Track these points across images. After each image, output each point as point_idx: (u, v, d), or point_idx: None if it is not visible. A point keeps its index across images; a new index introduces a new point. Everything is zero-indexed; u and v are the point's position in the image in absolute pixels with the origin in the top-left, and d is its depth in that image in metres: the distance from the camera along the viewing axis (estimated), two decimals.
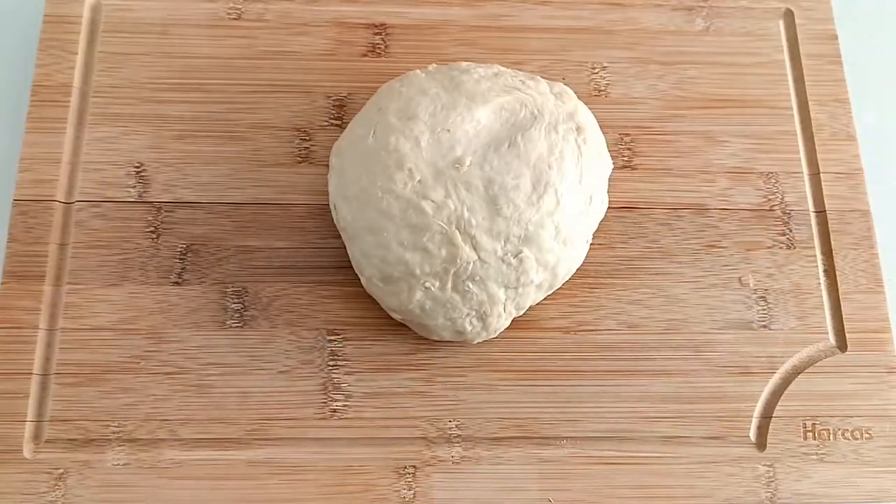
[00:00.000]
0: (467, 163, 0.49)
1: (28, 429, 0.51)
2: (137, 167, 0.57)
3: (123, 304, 0.54)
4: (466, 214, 0.49)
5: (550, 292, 0.54)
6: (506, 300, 0.51)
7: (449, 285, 0.50)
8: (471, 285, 0.50)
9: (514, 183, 0.50)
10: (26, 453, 0.50)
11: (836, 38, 0.64)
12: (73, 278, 0.54)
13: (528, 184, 0.50)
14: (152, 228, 0.56)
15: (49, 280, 0.54)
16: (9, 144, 0.58)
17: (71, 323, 0.53)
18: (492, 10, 0.63)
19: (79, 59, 0.60)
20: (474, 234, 0.49)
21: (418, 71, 0.55)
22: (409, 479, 0.51)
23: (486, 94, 0.52)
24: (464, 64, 0.55)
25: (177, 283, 0.55)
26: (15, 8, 0.63)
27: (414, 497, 0.51)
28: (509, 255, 0.50)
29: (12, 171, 0.57)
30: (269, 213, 0.57)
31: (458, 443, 0.52)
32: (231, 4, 0.62)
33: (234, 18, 0.62)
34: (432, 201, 0.49)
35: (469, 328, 0.51)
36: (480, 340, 0.53)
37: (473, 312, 0.51)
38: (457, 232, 0.49)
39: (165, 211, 0.56)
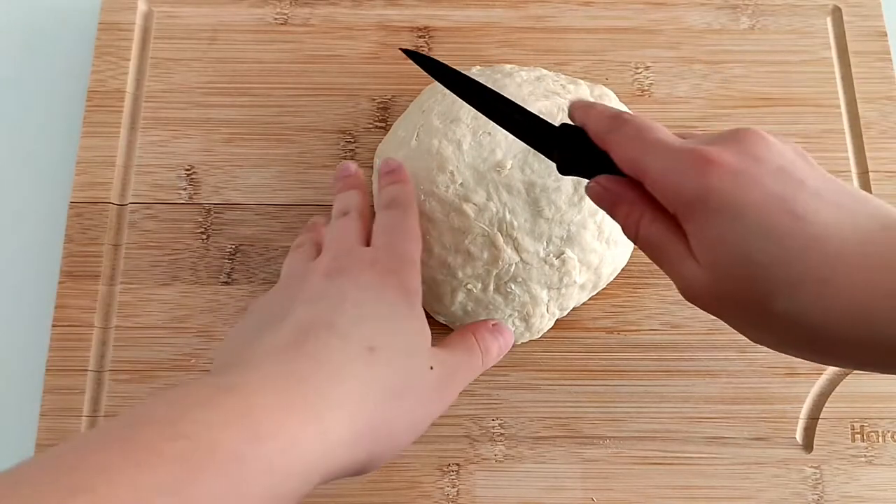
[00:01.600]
0: (508, 166, 0.50)
1: (84, 424, 0.52)
2: (188, 170, 0.59)
3: (175, 303, 0.55)
4: (508, 216, 0.49)
5: (595, 293, 0.54)
6: (549, 301, 0.52)
7: (491, 287, 0.50)
8: (513, 287, 0.50)
9: (556, 185, 0.50)
10: None
11: (885, 34, 0.62)
12: (126, 278, 0.56)
13: (570, 185, 0.50)
14: (202, 229, 0.57)
15: (103, 279, 0.56)
16: (66, 148, 0.60)
17: (124, 321, 0.55)
18: (535, 11, 0.64)
19: (131, 65, 0.61)
20: (516, 236, 0.49)
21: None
22: (453, 477, 0.52)
23: (527, 98, 0.52)
24: (507, 67, 0.56)
25: (226, 283, 0.56)
26: (70, 16, 0.65)
27: (457, 494, 0.51)
28: (552, 255, 0.50)
29: (69, 174, 0.58)
30: (316, 214, 0.57)
31: (501, 441, 0.52)
32: (278, 10, 0.63)
33: (281, 24, 0.63)
34: (474, 204, 0.49)
35: (512, 329, 0.52)
36: (524, 341, 0.53)
37: (516, 314, 0.51)
38: (498, 234, 0.49)
39: (215, 212, 0.57)
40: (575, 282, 0.51)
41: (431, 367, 0.39)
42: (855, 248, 0.33)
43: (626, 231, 0.41)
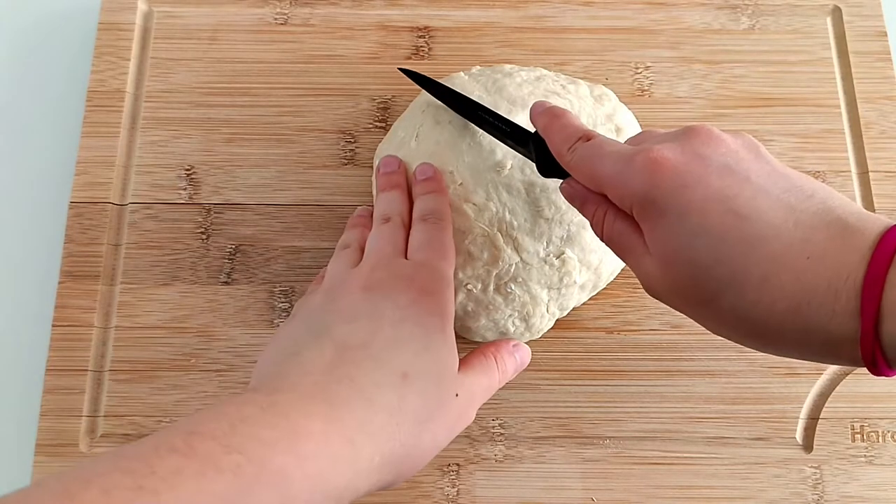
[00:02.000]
0: (508, 166, 0.50)
1: (84, 424, 0.52)
2: (188, 170, 0.59)
3: (174, 303, 0.55)
4: (508, 217, 0.49)
5: (595, 293, 0.54)
6: (549, 301, 0.51)
7: (491, 287, 0.50)
8: (513, 287, 0.50)
9: (555, 185, 0.50)
10: (82, 447, 0.52)
11: (885, 34, 0.62)
12: (126, 278, 0.56)
13: None
14: (202, 229, 0.57)
15: (103, 279, 0.56)
16: (66, 148, 0.60)
17: (124, 321, 0.55)
18: (535, 11, 0.64)
19: (131, 65, 0.61)
20: (516, 236, 0.49)
21: (462, 73, 0.55)
22: (453, 477, 0.52)
23: (527, 98, 0.52)
24: (507, 67, 0.56)
25: (226, 283, 0.56)
26: (70, 16, 0.65)
27: (457, 494, 0.51)
28: (552, 255, 0.50)
29: (69, 174, 0.58)
30: (316, 214, 0.57)
31: (501, 441, 0.52)
32: (278, 10, 0.63)
33: (281, 24, 0.63)
34: (474, 204, 0.49)
35: (512, 329, 0.52)
36: (524, 342, 0.53)
37: (516, 314, 0.51)
38: (498, 234, 0.49)
39: (215, 212, 0.57)
40: (575, 282, 0.51)
41: (457, 395, 0.41)
42: (798, 246, 0.33)
43: (595, 229, 0.42)
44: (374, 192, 0.53)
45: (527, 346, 0.49)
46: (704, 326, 0.38)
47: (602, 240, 0.42)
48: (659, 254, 0.37)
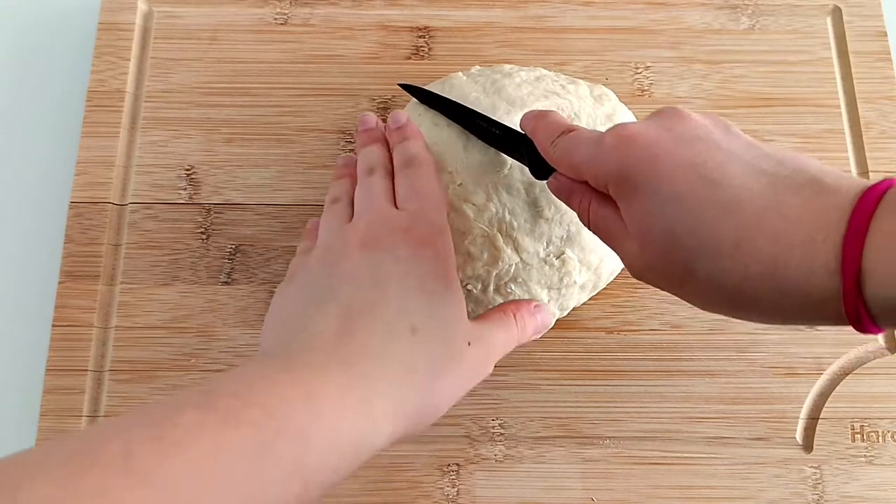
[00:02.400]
0: (508, 166, 0.50)
1: (84, 424, 0.52)
2: (188, 170, 0.59)
3: (174, 303, 0.55)
4: (508, 217, 0.49)
5: (595, 293, 0.54)
6: (549, 301, 0.51)
7: (491, 287, 0.50)
8: (513, 287, 0.50)
9: None
10: None
11: (885, 34, 0.62)
12: (126, 278, 0.56)
13: None
14: (202, 229, 0.57)
15: (103, 279, 0.56)
16: (66, 148, 0.60)
17: (124, 321, 0.55)
18: (535, 11, 0.64)
19: (131, 65, 0.61)
20: (516, 237, 0.49)
21: (460, 73, 0.55)
22: (453, 477, 0.52)
23: (526, 98, 0.52)
24: (507, 67, 0.56)
25: (226, 283, 0.56)
26: (70, 16, 0.65)
27: (457, 494, 0.51)
28: (552, 256, 0.50)
29: (69, 174, 0.58)
30: (316, 214, 0.57)
31: (501, 441, 0.52)
32: (278, 10, 0.63)
33: (281, 24, 0.63)
34: (473, 204, 0.49)
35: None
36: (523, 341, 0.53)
37: None
38: (498, 234, 0.49)
39: (215, 212, 0.58)
40: (575, 282, 0.51)
41: (469, 343, 0.41)
42: (771, 209, 0.33)
43: (582, 219, 0.43)
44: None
45: (550, 310, 0.50)
46: (689, 302, 0.38)
47: (590, 229, 0.42)
48: (636, 230, 0.37)
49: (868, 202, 0.31)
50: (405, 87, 0.55)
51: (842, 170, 0.58)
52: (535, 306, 0.48)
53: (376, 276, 0.41)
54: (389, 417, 0.36)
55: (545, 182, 0.46)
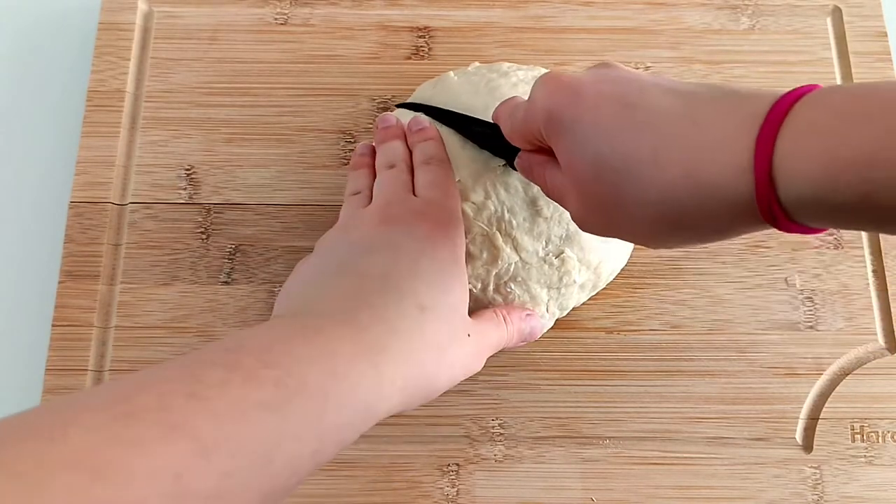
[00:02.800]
0: (503, 161, 0.50)
1: None
2: (188, 170, 0.59)
3: (174, 302, 0.55)
4: (507, 216, 0.49)
5: (595, 293, 0.54)
6: (548, 301, 0.51)
7: (490, 287, 0.50)
8: (513, 286, 0.50)
9: None
10: None
11: (885, 35, 0.62)
12: (126, 278, 0.56)
13: None
14: (202, 229, 0.57)
15: (103, 279, 0.56)
16: (66, 148, 0.60)
17: (124, 321, 0.55)
18: (534, 11, 0.64)
19: (132, 65, 0.61)
20: (515, 235, 0.49)
21: (451, 73, 0.55)
22: (453, 477, 0.52)
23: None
24: (505, 65, 0.56)
25: (226, 283, 0.56)
26: (71, 16, 0.65)
27: (457, 494, 0.51)
28: (551, 255, 0.50)
29: (69, 174, 0.58)
30: (316, 214, 0.57)
31: (500, 441, 0.52)
32: (278, 10, 0.63)
33: (281, 24, 0.63)
34: (472, 203, 0.49)
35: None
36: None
37: None
38: (497, 233, 0.49)
39: (215, 212, 0.58)
40: (574, 281, 0.51)
41: (469, 335, 0.43)
42: (688, 118, 0.34)
43: (544, 190, 0.44)
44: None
45: (540, 319, 0.50)
46: (629, 237, 0.39)
47: (551, 198, 0.43)
48: (566, 164, 0.38)
49: (784, 103, 0.32)
50: (403, 106, 0.55)
51: None
52: (527, 314, 0.50)
53: (392, 249, 0.42)
54: (396, 386, 0.37)
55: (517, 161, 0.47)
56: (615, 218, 0.37)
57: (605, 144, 0.35)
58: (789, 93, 0.32)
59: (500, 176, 0.50)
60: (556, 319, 0.53)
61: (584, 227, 0.40)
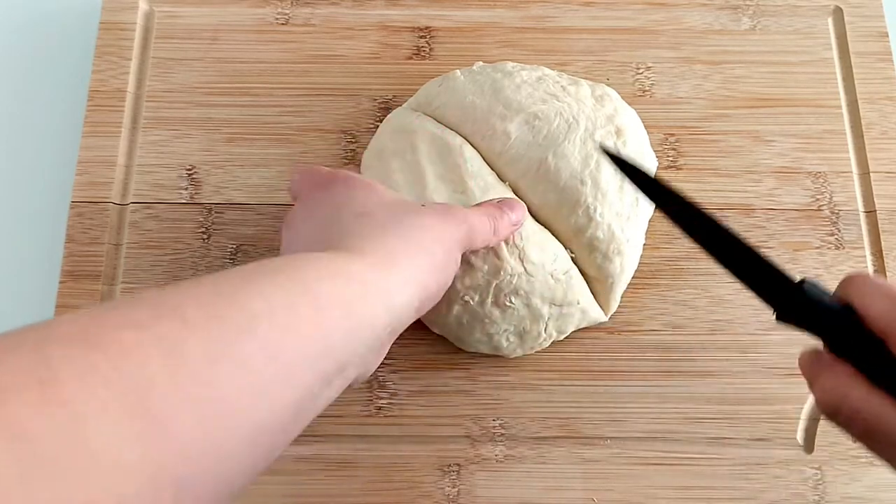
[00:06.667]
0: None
1: None
2: (189, 170, 0.59)
3: None
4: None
5: (595, 324, 0.54)
6: (548, 319, 0.51)
7: (489, 299, 0.49)
8: (514, 299, 0.49)
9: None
10: None
11: (886, 35, 0.62)
12: (126, 277, 0.56)
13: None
14: (203, 229, 0.57)
15: (104, 279, 0.56)
16: (67, 148, 0.60)
17: None
18: (536, 11, 0.64)
19: (133, 65, 0.61)
20: (523, 246, 0.49)
21: (458, 72, 0.55)
22: (454, 477, 0.52)
23: (524, 101, 0.52)
24: (509, 65, 0.56)
25: None
26: (72, 16, 0.65)
27: (458, 494, 0.51)
28: (558, 270, 0.50)
29: (70, 174, 0.58)
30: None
31: (501, 441, 0.52)
32: (279, 10, 0.63)
33: (282, 24, 0.63)
34: None
35: (505, 344, 0.51)
36: (515, 356, 0.53)
37: (512, 328, 0.51)
38: (503, 244, 0.49)
39: (216, 212, 0.57)
40: (578, 302, 0.51)
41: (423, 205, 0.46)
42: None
43: (825, 407, 0.36)
44: None
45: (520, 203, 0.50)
46: None
47: (837, 418, 0.35)
48: None
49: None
50: (610, 155, 0.43)
51: (843, 170, 0.58)
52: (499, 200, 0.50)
53: (369, 190, 0.45)
54: (405, 300, 0.39)
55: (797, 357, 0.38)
56: None
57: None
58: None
59: (507, 186, 0.49)
60: (553, 342, 0.53)
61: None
